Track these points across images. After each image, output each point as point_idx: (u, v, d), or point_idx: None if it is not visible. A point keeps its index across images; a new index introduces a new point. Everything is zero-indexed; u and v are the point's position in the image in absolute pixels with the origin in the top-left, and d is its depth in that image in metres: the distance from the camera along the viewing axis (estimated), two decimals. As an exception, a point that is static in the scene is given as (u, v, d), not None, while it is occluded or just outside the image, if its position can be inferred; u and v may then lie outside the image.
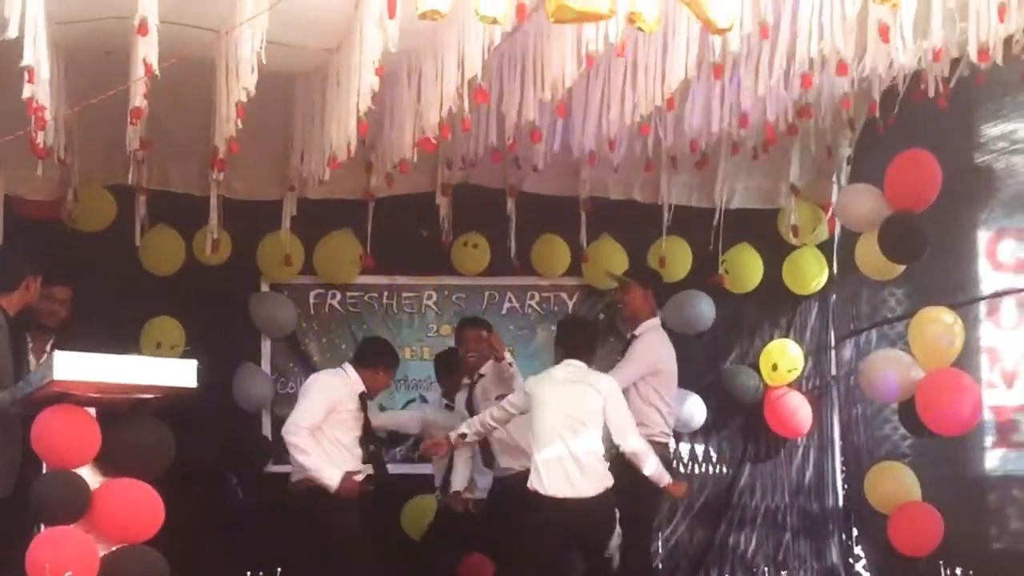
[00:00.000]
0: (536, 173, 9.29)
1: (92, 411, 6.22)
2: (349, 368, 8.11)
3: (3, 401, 6.75)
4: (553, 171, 9.31)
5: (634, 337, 8.57)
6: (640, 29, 5.44)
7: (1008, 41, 6.92)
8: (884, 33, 6.26)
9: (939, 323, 8.53)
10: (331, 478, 7.76)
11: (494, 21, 5.28)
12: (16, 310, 7.24)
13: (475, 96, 6.65)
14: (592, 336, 8.12)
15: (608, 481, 7.43)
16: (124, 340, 8.38)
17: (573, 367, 7.67)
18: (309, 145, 7.96)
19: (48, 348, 7.38)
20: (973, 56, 6.78)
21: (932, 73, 7.45)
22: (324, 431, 7.88)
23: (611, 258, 9.97)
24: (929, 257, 8.68)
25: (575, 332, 8.06)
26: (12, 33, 5.59)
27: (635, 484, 7.76)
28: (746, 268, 10.12)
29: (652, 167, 9.28)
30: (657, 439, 8.14)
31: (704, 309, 9.95)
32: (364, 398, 8.05)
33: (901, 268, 8.89)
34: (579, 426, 7.42)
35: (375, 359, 8.23)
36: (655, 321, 8.59)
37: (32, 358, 7.35)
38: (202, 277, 9.45)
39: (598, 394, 7.51)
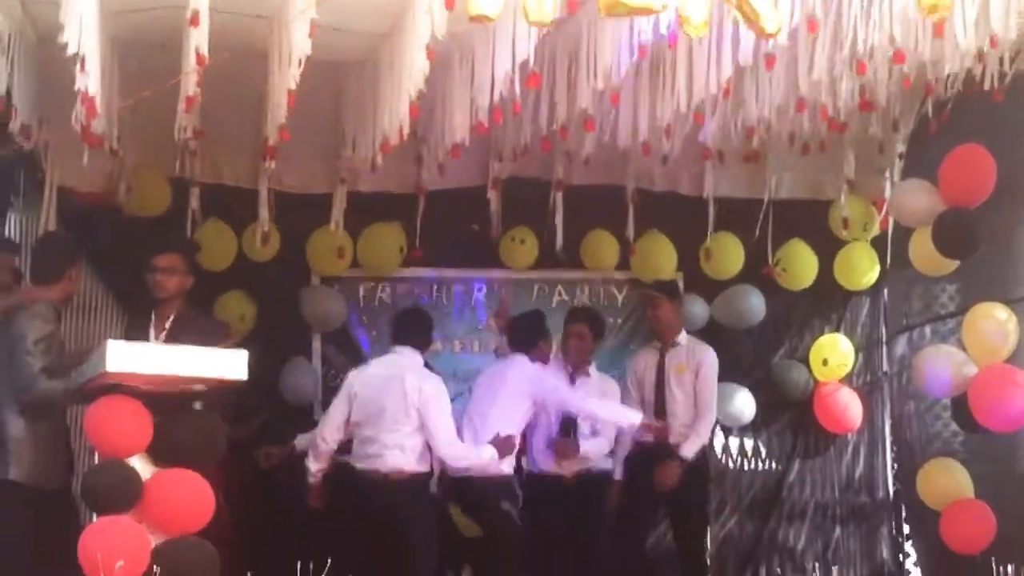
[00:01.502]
0: (582, 166, 9.28)
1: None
2: (412, 353, 8.25)
3: (57, 391, 6.80)
4: (599, 162, 9.29)
5: (677, 345, 9.00)
6: (687, 33, 5.46)
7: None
8: (939, 27, 6.22)
9: (993, 319, 8.46)
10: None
11: (543, 24, 5.30)
12: (60, 301, 7.30)
13: (527, 81, 6.66)
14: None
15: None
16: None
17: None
18: (360, 134, 7.97)
19: (167, 325, 7.40)
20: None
21: (988, 67, 7.40)
22: None
23: (659, 253, 9.97)
24: (982, 253, 8.61)
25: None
26: (66, 31, 5.65)
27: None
28: (801, 264, 10.06)
29: (709, 155, 9.24)
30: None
31: (755, 303, 9.91)
32: None
33: (955, 264, 8.82)
34: None
35: (423, 332, 8.40)
36: (684, 333, 9.08)
37: (153, 335, 7.35)
38: (253, 271, 9.47)
39: None
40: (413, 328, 8.43)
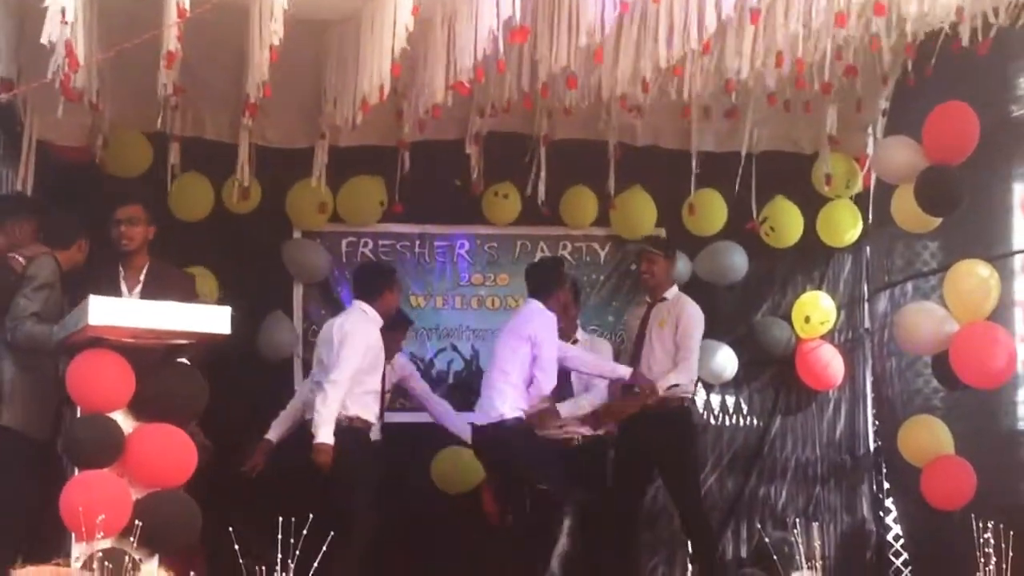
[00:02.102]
0: (564, 119, 9.24)
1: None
2: (360, 304, 8.28)
3: (44, 335, 6.79)
4: (580, 117, 9.26)
5: (664, 300, 8.96)
6: None
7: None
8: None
9: (974, 276, 8.47)
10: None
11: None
12: (67, 267, 7.31)
13: (511, 36, 6.63)
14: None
15: None
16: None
17: None
18: (341, 92, 7.92)
19: (142, 278, 7.38)
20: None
21: (969, 21, 7.40)
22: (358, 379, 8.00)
23: (641, 208, 9.95)
24: (964, 210, 8.61)
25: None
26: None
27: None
28: (788, 222, 10.07)
29: (688, 112, 9.18)
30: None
31: (737, 260, 9.91)
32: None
33: (937, 221, 8.81)
34: None
35: (378, 284, 8.39)
36: (675, 289, 9.05)
37: (125, 289, 7.34)
38: (232, 225, 9.45)
39: None
40: (357, 282, 8.59)
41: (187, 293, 7.19)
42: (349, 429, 7.96)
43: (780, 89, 8.64)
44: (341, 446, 7.86)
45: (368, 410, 8.09)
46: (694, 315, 8.87)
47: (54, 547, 6.49)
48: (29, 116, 8.37)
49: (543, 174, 9.64)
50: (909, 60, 8.57)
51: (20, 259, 7.10)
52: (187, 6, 5.99)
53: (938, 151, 8.52)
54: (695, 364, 8.86)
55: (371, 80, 7.02)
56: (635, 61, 7.48)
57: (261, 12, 6.53)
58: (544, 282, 8.62)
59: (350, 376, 7.93)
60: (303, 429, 8.20)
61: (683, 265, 9.77)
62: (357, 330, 8.09)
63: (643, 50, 7.34)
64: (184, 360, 6.54)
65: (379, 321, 8.24)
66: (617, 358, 9.02)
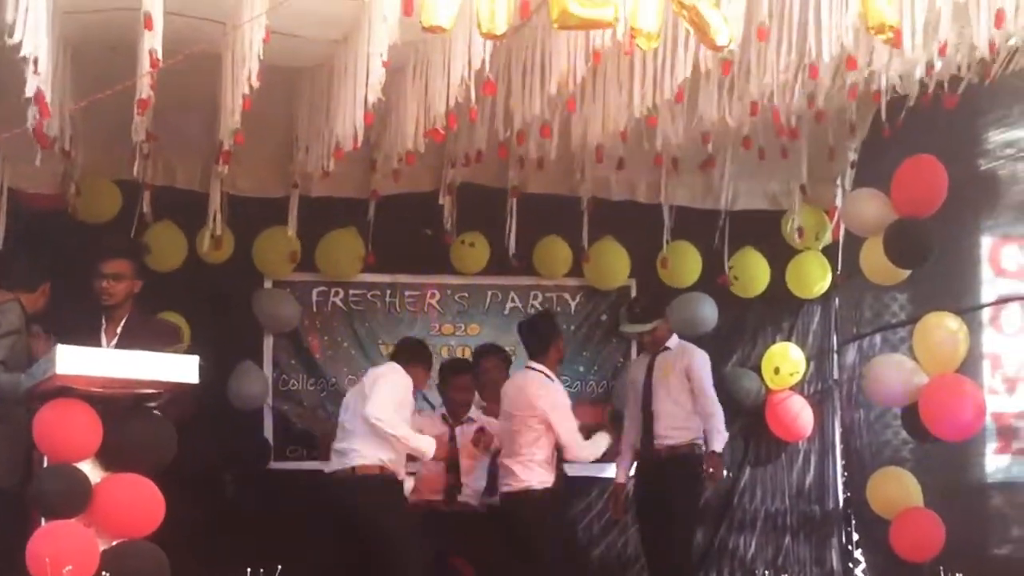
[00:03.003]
0: (538, 173, 9.29)
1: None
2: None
3: (11, 384, 6.74)
4: (555, 171, 9.32)
5: (667, 349, 9.00)
6: (639, 47, 5.48)
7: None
8: (897, 36, 6.23)
9: (944, 329, 8.51)
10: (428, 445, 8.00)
11: (495, 36, 5.31)
12: (31, 311, 7.26)
13: (483, 88, 6.66)
14: None
15: None
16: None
17: None
18: (314, 139, 7.95)
19: (119, 330, 7.33)
20: (983, 49, 6.75)
21: (937, 76, 7.46)
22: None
23: (612, 260, 9.99)
24: (932, 263, 8.66)
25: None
26: (17, 30, 5.58)
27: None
28: (753, 273, 10.10)
29: (661, 160, 9.19)
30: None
31: (707, 312, 9.92)
32: None
33: (906, 273, 8.86)
34: None
35: (417, 357, 8.36)
36: (675, 337, 9.09)
37: (104, 340, 7.26)
38: (204, 275, 9.43)
39: None
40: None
41: (166, 342, 7.13)
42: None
43: (754, 134, 8.68)
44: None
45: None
46: (703, 363, 8.88)
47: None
48: (1, 164, 8.36)
49: (514, 226, 9.66)
50: (880, 111, 8.62)
51: None
52: (160, 56, 6.00)
53: (907, 204, 8.56)
54: (720, 408, 8.84)
55: (344, 128, 7.04)
56: (609, 110, 7.50)
57: (234, 60, 6.55)
58: (539, 342, 8.61)
59: None
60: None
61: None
62: None
63: (617, 100, 7.37)
64: (156, 411, 6.51)
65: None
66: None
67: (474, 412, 8.98)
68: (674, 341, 9.01)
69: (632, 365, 9.59)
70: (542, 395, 8.25)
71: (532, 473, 8.19)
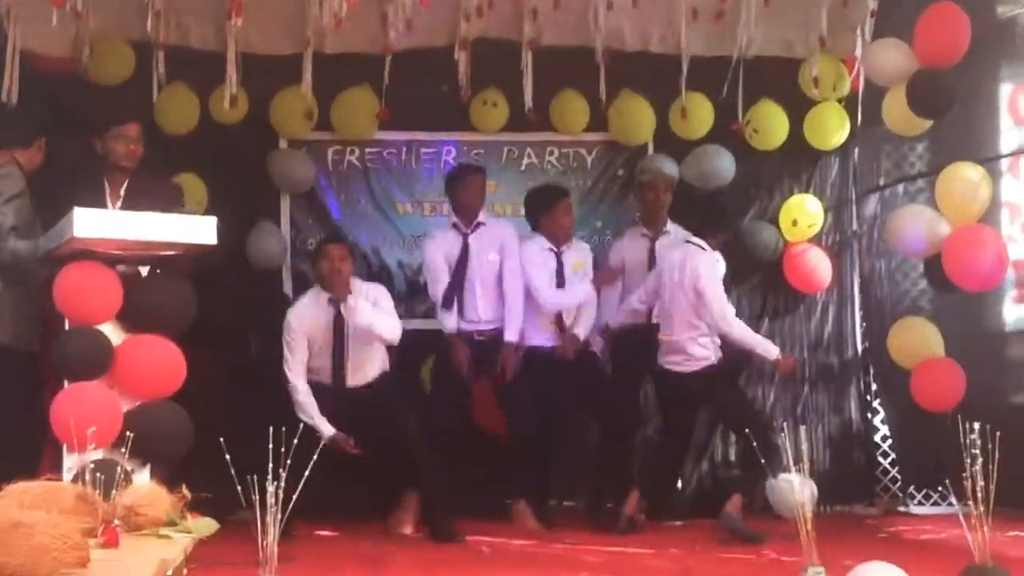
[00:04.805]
0: (552, 24, 9.16)
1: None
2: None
3: (28, 251, 6.77)
4: (569, 22, 9.19)
5: (667, 233, 9.19)
6: None
7: None
8: None
9: (966, 179, 8.45)
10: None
11: None
12: (28, 168, 7.26)
13: None
14: None
15: None
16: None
17: None
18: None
19: (123, 192, 7.33)
20: None
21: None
22: None
23: (634, 112, 9.90)
24: (951, 112, 8.60)
25: None
26: None
27: None
28: (772, 124, 9.97)
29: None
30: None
31: (725, 164, 9.83)
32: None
33: (928, 124, 8.81)
34: None
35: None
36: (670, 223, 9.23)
37: (110, 203, 7.29)
38: (219, 136, 9.39)
39: None
40: None
41: (171, 203, 7.14)
42: None
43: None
44: None
45: None
46: (710, 269, 8.61)
47: (35, 460, 6.55)
48: (12, 26, 8.29)
49: (530, 80, 9.57)
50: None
51: None
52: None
53: (930, 54, 8.47)
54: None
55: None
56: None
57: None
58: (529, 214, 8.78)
59: None
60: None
61: (671, 168, 9.74)
62: None
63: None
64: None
65: None
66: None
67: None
68: (670, 225, 9.17)
69: (622, 246, 9.49)
70: None
71: None
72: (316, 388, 8.20)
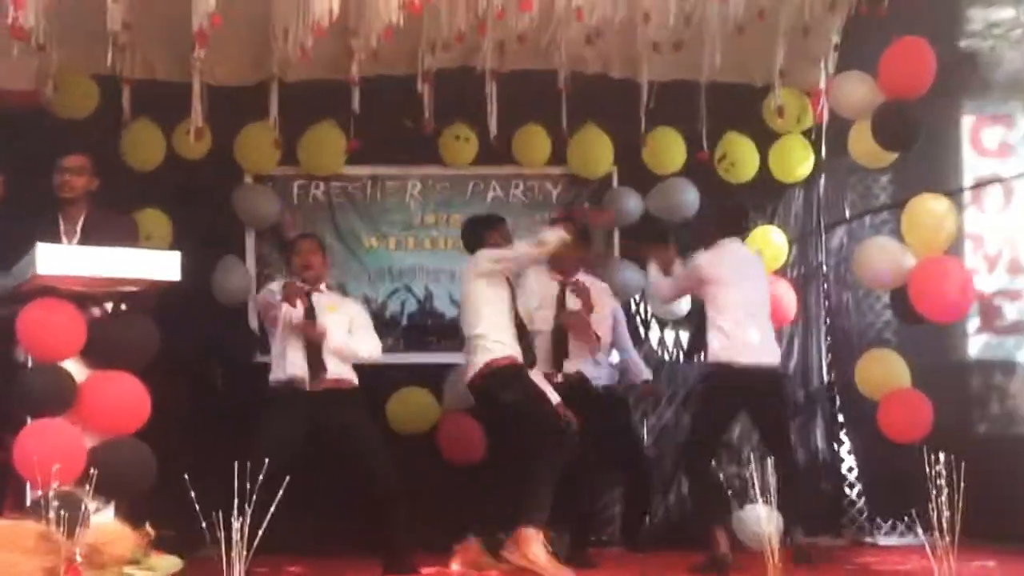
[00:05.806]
0: (514, 49, 9.13)
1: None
2: None
3: None
4: (530, 47, 9.17)
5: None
6: None
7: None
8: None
9: (932, 210, 8.50)
10: None
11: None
12: None
13: None
14: None
15: None
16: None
17: None
18: (291, 19, 7.84)
19: (78, 228, 7.31)
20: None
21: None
22: None
23: (593, 145, 9.91)
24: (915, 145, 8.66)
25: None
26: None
27: None
28: (747, 158, 10.00)
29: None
30: None
31: (689, 196, 9.86)
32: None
33: (893, 156, 8.86)
34: None
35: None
36: None
37: (64, 239, 7.25)
38: (184, 171, 9.39)
39: None
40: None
41: (126, 238, 7.11)
42: None
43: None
44: None
45: None
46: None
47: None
48: (-26, 60, 8.28)
49: (495, 111, 9.55)
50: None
51: None
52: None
53: (895, 86, 8.51)
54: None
55: (320, 5, 7.02)
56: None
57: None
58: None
59: None
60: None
61: (635, 202, 9.75)
62: None
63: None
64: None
65: None
66: None
67: None
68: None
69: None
70: None
71: None
72: (291, 390, 8.12)
